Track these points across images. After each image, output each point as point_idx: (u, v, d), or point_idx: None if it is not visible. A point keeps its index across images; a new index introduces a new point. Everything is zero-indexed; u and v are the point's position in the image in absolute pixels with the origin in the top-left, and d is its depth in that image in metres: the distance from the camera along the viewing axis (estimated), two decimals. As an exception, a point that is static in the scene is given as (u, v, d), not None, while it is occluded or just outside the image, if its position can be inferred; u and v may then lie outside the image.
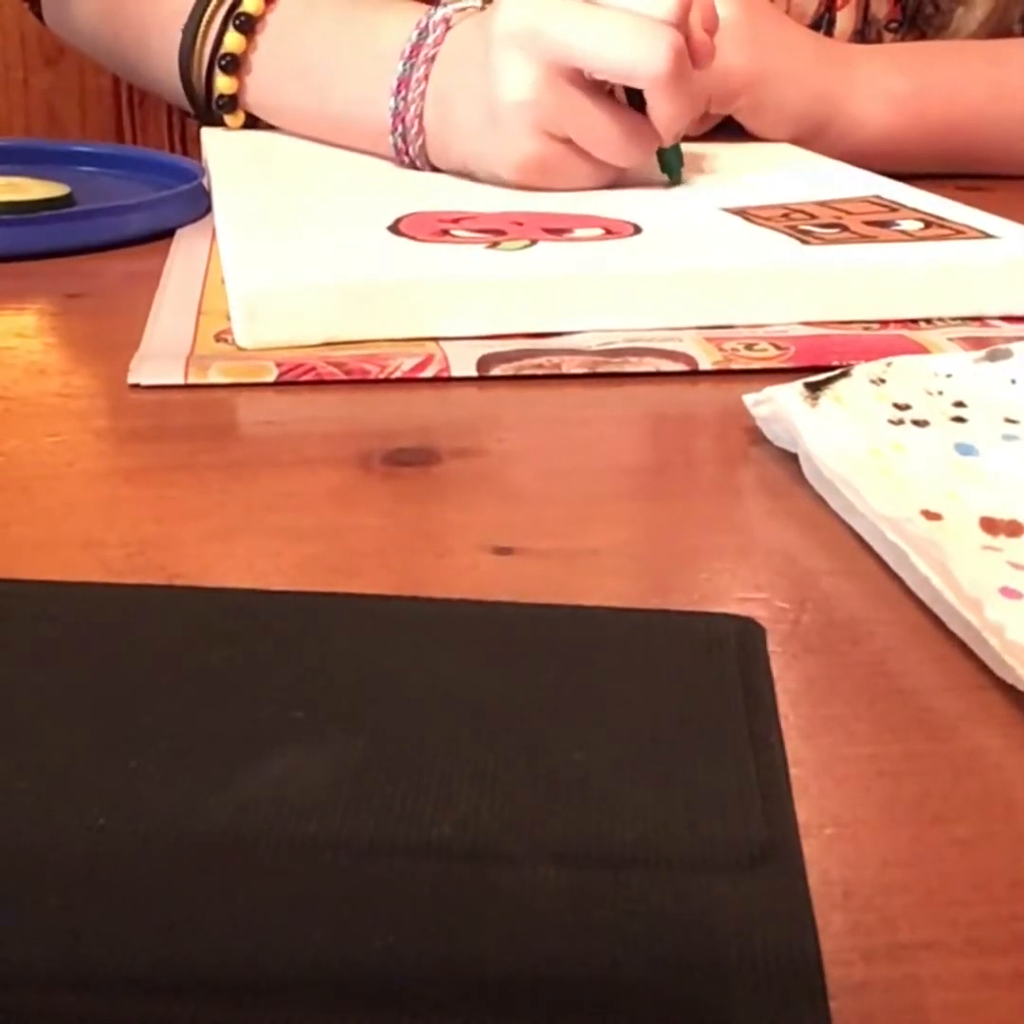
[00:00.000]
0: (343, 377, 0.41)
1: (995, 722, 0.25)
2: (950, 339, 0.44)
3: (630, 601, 0.29)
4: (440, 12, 0.61)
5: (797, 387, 0.35)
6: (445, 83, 0.60)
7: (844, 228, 0.52)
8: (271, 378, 0.41)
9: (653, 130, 0.57)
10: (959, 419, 0.36)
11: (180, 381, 0.41)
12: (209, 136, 0.71)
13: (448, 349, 0.43)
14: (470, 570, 0.30)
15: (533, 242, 0.49)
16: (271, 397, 0.41)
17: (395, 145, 0.63)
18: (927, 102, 0.72)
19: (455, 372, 0.42)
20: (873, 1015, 0.18)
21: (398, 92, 0.61)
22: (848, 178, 0.62)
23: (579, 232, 0.51)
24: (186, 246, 0.57)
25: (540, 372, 0.42)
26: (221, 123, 0.72)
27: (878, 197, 0.57)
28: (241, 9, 0.68)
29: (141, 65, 0.77)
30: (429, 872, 0.18)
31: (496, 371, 0.42)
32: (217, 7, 0.69)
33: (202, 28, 0.70)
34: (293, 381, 0.41)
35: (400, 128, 0.62)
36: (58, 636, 0.24)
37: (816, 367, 0.40)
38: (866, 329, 0.46)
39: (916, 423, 0.35)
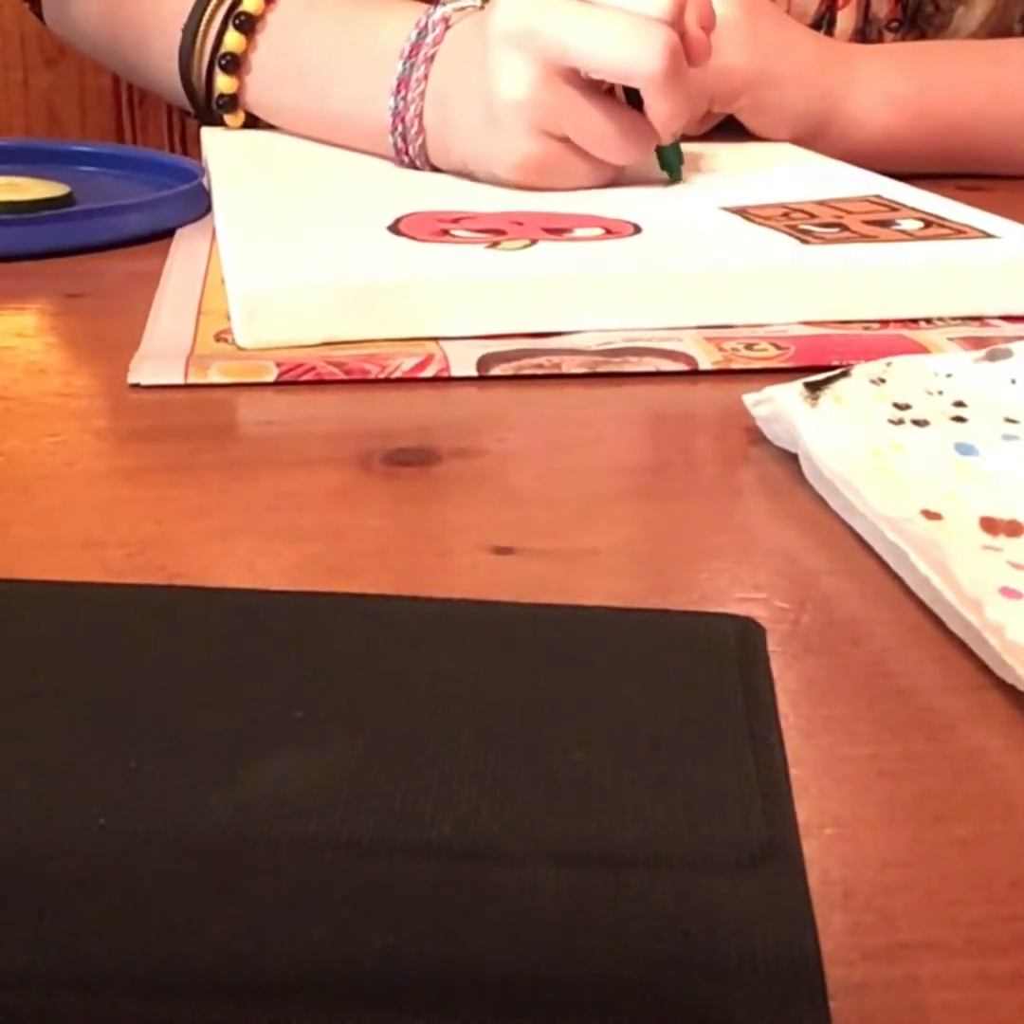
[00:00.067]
0: (343, 377, 0.41)
1: (995, 722, 0.25)
2: (950, 339, 0.44)
3: (630, 601, 0.29)
4: (439, 11, 0.61)
5: (797, 387, 0.35)
6: (444, 83, 0.60)
7: (844, 228, 0.52)
8: (271, 378, 0.41)
9: (651, 128, 0.57)
10: (959, 419, 0.36)
11: (180, 381, 0.41)
12: (209, 136, 0.71)
13: (448, 349, 0.43)
14: (470, 570, 0.30)
15: (533, 242, 0.49)
16: (271, 397, 0.41)
17: (395, 145, 0.63)
18: (927, 102, 0.72)
19: (455, 372, 0.42)
20: (873, 1015, 0.18)
21: (398, 92, 0.61)
22: (848, 178, 0.62)
23: (579, 232, 0.51)
24: (186, 246, 0.57)
25: (540, 372, 0.42)
26: (221, 123, 0.72)
27: (878, 197, 0.57)
28: (241, 8, 0.68)
29: (142, 65, 0.77)
30: (429, 872, 0.18)
31: (496, 371, 0.42)
32: (217, 6, 0.69)
33: (202, 27, 0.70)
34: (293, 381, 0.41)
35: (400, 128, 0.62)
36: (58, 636, 0.24)
37: (816, 367, 0.39)
38: (866, 329, 0.46)
39: (916, 423, 0.35)
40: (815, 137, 0.70)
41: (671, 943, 0.17)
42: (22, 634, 0.24)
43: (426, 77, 0.61)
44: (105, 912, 0.17)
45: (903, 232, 0.51)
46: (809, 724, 0.24)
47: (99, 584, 0.28)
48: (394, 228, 0.51)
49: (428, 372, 0.42)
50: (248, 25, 0.68)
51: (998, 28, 0.80)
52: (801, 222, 0.52)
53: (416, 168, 0.63)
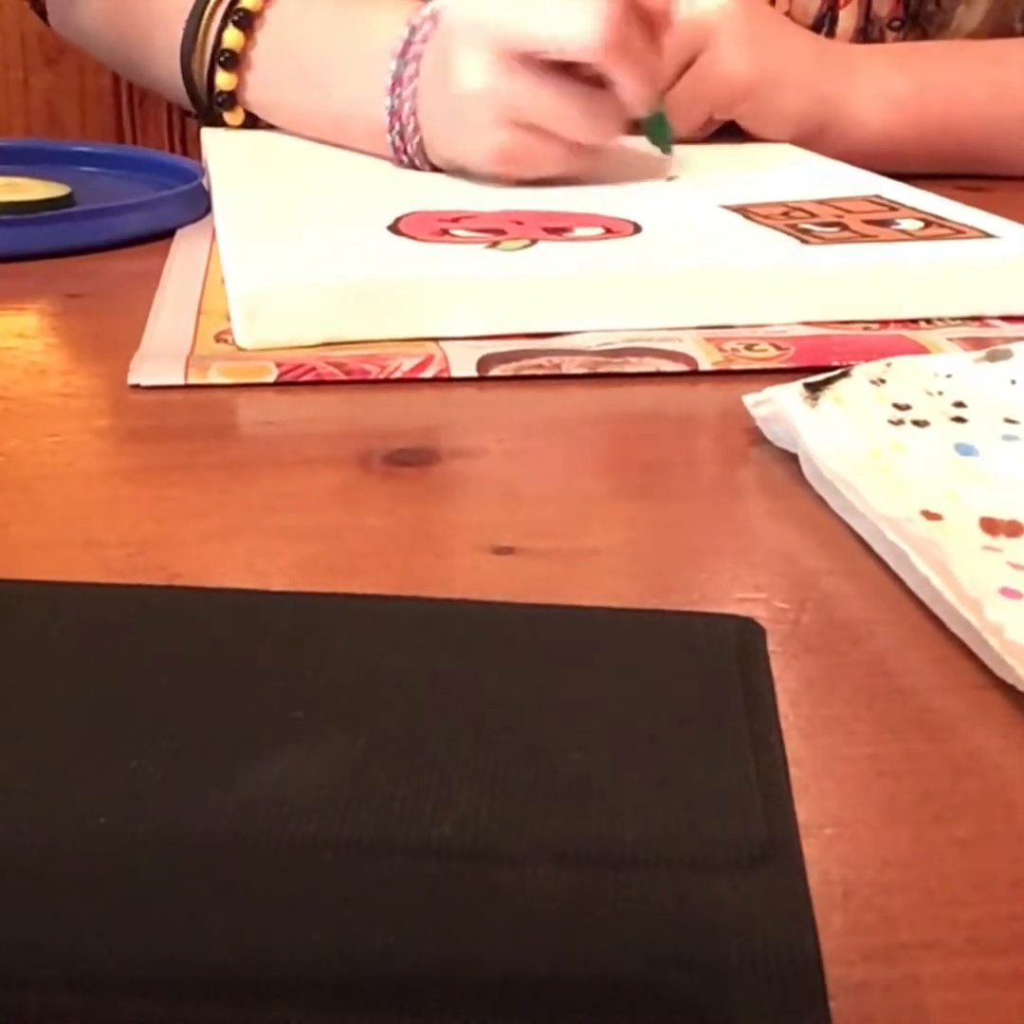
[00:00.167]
0: (343, 377, 0.41)
1: (995, 722, 0.25)
2: (950, 339, 0.44)
3: (630, 601, 0.29)
4: (429, 8, 0.61)
5: (797, 387, 0.35)
6: (426, 80, 0.60)
7: (844, 227, 0.52)
8: (271, 378, 0.41)
9: (616, 103, 0.57)
10: (959, 419, 0.36)
11: (180, 381, 0.41)
12: (209, 136, 0.71)
13: (448, 349, 0.43)
14: (470, 570, 0.30)
15: (533, 241, 0.49)
16: (271, 397, 0.41)
17: (393, 143, 0.63)
18: (927, 102, 0.72)
19: (455, 372, 0.42)
20: (873, 1015, 0.18)
21: (394, 90, 0.61)
22: (848, 177, 0.62)
23: (579, 231, 0.51)
24: (186, 246, 0.57)
25: (540, 372, 0.42)
26: (222, 121, 0.72)
27: (878, 197, 0.57)
28: (240, 5, 0.68)
29: (145, 63, 0.77)
30: (429, 872, 0.18)
31: (496, 371, 0.42)
32: (217, 3, 0.69)
33: (203, 24, 0.70)
34: (293, 381, 0.41)
35: (397, 126, 0.62)
36: (58, 636, 0.24)
37: (816, 367, 0.40)
38: (866, 329, 0.46)
39: (916, 423, 0.35)
40: (815, 138, 0.70)
41: (671, 943, 0.17)
42: (22, 634, 0.24)
43: (417, 74, 0.61)
44: (105, 912, 0.17)
45: (903, 232, 0.51)
46: (809, 724, 0.24)
47: (99, 584, 0.28)
48: (394, 228, 0.51)
49: (428, 372, 0.42)
50: (246, 22, 0.68)
51: (999, 25, 0.80)
52: (801, 221, 0.52)
53: (415, 166, 0.63)
